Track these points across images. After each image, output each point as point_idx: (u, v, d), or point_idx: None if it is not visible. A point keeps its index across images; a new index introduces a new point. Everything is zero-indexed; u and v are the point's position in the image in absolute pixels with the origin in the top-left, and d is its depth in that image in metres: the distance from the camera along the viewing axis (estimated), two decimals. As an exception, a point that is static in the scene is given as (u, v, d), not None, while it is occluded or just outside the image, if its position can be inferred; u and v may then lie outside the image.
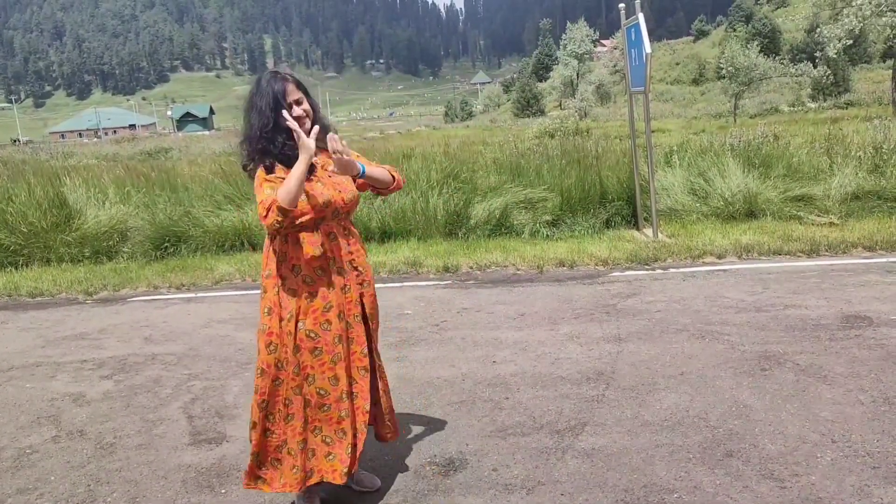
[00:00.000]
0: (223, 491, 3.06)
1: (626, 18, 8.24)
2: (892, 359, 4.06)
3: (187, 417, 3.84)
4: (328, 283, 2.65)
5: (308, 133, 2.55)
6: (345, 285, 2.70)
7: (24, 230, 7.93)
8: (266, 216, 2.45)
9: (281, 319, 2.61)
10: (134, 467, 3.32)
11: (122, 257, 8.11)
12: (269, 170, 2.57)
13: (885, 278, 5.80)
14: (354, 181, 2.77)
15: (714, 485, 2.87)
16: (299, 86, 2.68)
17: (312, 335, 2.62)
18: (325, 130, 2.66)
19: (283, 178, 2.51)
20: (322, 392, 2.65)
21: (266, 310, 2.64)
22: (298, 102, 2.64)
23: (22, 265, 7.91)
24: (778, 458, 3.04)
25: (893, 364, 3.99)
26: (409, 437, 3.46)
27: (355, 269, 2.75)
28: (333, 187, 2.69)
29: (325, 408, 2.66)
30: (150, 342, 5.21)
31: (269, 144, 2.60)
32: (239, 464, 3.27)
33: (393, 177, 2.87)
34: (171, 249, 8.07)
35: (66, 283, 7.01)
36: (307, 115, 2.66)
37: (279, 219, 2.44)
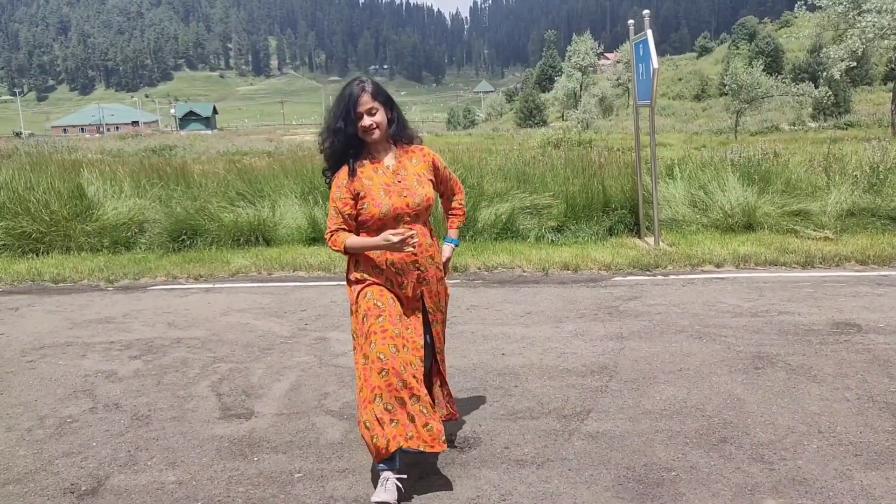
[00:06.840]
0: (255, 459, 3.31)
1: (635, 34, 8.53)
2: (878, 362, 4.33)
3: (216, 395, 4.09)
4: (389, 279, 2.93)
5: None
6: (402, 283, 2.94)
7: (46, 219, 8.18)
8: (329, 240, 2.90)
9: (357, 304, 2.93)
10: (170, 437, 3.57)
11: (140, 248, 8.38)
12: (346, 171, 2.89)
13: (875, 290, 6.07)
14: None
15: (709, 465, 3.13)
16: (376, 96, 2.82)
17: (380, 312, 2.84)
18: (410, 138, 2.98)
19: (348, 199, 2.85)
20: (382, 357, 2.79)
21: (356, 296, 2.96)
22: (370, 112, 2.81)
23: (43, 252, 8.16)
24: (768, 444, 3.31)
25: (879, 366, 4.26)
26: (426, 417, 3.71)
27: (417, 269, 2.96)
28: (399, 194, 2.88)
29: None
30: (174, 327, 5.46)
31: (336, 141, 2.84)
32: (268, 437, 3.52)
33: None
34: (188, 242, 8.32)
35: (87, 271, 7.26)
36: (376, 127, 2.82)
37: (339, 251, 2.90)
